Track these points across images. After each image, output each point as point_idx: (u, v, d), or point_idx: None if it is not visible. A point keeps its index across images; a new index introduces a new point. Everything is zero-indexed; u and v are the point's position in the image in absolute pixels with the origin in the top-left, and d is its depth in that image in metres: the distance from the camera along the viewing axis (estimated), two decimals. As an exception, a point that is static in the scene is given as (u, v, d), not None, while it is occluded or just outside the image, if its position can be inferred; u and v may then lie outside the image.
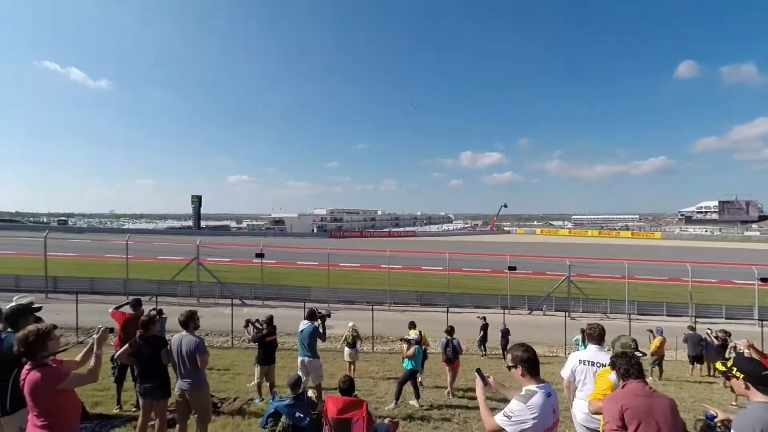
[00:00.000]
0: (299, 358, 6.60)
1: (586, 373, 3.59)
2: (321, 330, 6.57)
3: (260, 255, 20.56)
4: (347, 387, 3.77)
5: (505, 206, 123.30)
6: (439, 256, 26.74)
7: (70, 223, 74.19)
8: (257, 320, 7.70)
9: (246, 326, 7.55)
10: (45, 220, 72.29)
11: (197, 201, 76.82)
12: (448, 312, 14.44)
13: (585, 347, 11.65)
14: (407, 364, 7.15)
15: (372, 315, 14.11)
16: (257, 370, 6.96)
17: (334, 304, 18.90)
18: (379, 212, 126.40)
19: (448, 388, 8.05)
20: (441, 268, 25.97)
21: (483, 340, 14.04)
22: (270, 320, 7.23)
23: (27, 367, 2.70)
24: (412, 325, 9.29)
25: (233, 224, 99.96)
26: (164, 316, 8.41)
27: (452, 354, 8.06)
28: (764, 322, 13.55)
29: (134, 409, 5.62)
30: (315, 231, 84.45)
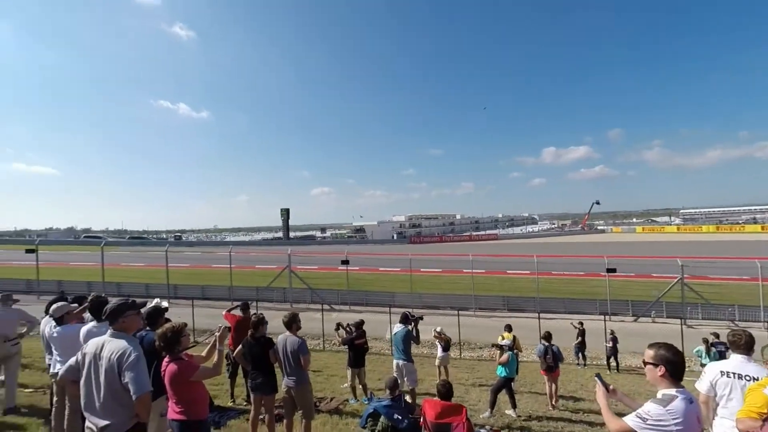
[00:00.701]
0: (395, 361, 6.68)
1: (731, 387, 3.05)
2: (414, 333, 6.59)
3: (345, 262, 21.39)
4: (446, 391, 3.71)
5: (598, 203, 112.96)
6: (526, 259, 25.29)
7: (183, 239, 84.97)
8: (347, 324, 7.99)
9: (337, 329, 7.86)
10: (164, 236, 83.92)
11: (286, 213, 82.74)
12: (539, 318, 13.59)
13: (709, 359, 10.05)
14: (501, 372, 6.83)
15: (458, 320, 13.83)
16: (349, 372, 7.19)
17: (419, 309, 18.87)
18: (458, 216, 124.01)
19: (549, 399, 7.52)
20: (528, 272, 24.55)
21: (580, 348, 12.93)
22: (360, 324, 7.44)
23: (166, 360, 3.10)
24: (509, 328, 8.88)
25: (318, 234, 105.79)
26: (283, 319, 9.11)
27: (552, 362, 7.52)
28: None
29: (245, 403, 6.17)
30: (395, 237, 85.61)
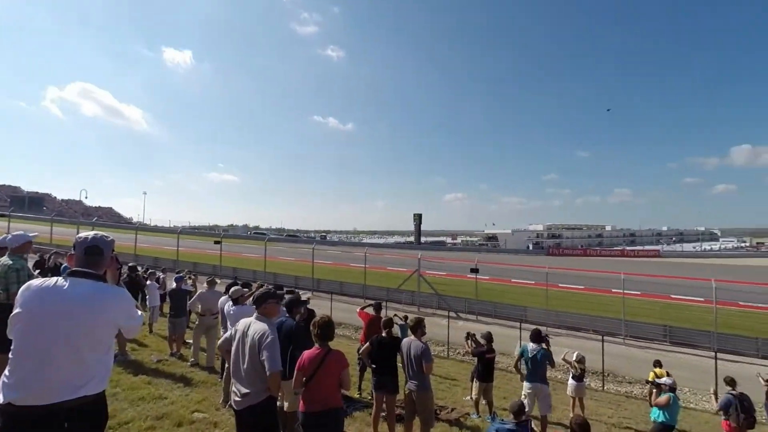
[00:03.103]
0: (527, 383, 6.27)
1: None
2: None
3: (475, 270, 20.91)
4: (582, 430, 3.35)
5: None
6: (700, 283, 20.84)
7: (327, 238, 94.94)
8: (473, 335, 7.83)
9: (467, 339, 7.77)
10: (313, 235, 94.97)
11: (418, 218, 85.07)
12: (716, 358, 10.97)
13: None
14: (658, 416, 5.75)
15: (602, 347, 12.19)
16: (475, 385, 7.03)
17: (554, 328, 17.26)
18: (608, 228, 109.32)
19: None
20: (701, 299, 20.15)
21: None
22: (489, 337, 7.22)
23: (320, 348, 3.30)
24: (657, 364, 7.48)
25: (449, 240, 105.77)
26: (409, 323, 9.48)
27: (744, 419, 5.92)
28: None
29: (369, 397, 6.58)
30: (530, 248, 80.00)
